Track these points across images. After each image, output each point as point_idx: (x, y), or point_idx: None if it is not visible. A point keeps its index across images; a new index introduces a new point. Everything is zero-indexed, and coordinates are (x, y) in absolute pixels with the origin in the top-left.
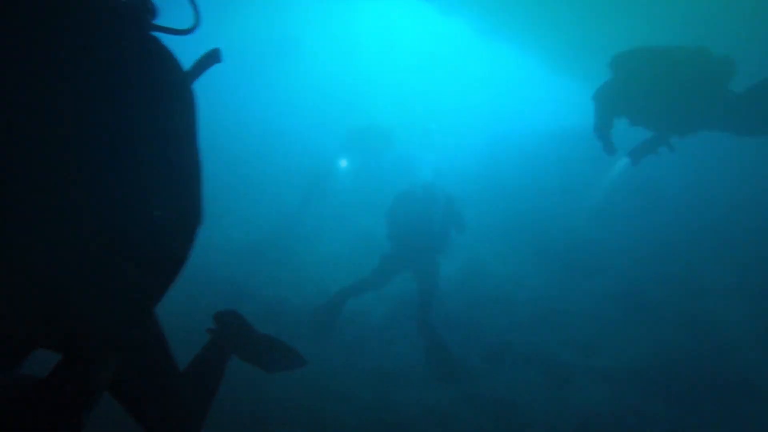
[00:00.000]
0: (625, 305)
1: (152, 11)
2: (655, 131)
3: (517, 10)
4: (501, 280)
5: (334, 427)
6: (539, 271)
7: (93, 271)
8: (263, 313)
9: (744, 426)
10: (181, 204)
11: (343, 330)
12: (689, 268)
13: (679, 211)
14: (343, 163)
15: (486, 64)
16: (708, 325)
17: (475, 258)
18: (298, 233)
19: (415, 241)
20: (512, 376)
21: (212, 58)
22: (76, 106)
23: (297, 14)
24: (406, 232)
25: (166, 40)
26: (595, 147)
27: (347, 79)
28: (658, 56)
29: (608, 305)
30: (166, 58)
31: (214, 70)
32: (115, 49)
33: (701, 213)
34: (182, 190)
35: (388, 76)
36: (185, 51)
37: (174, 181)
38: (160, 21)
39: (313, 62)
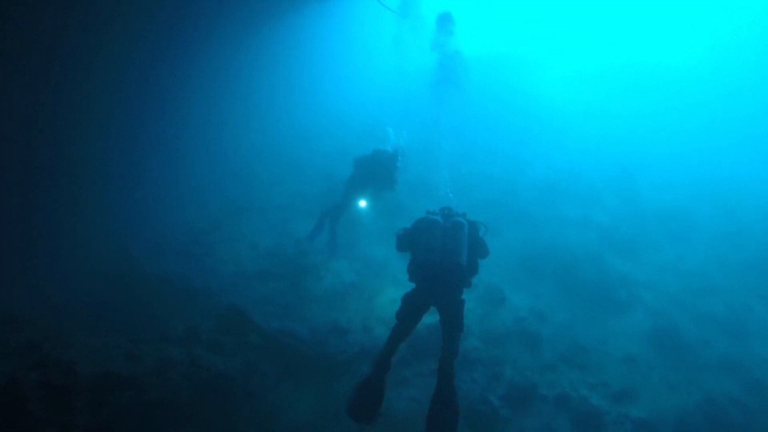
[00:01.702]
0: (661, 346)
1: None
2: None
3: None
4: (523, 314)
5: None
6: (564, 305)
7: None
8: (270, 346)
9: None
10: None
11: (351, 367)
12: (730, 307)
13: (717, 243)
14: (352, 190)
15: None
16: (757, 372)
17: (494, 290)
18: (307, 262)
19: (445, 274)
20: (537, 422)
21: None
22: None
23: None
24: (435, 264)
25: None
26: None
27: (361, 107)
28: None
29: (642, 346)
30: None
31: (224, 102)
32: None
33: (743, 245)
34: None
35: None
36: None
37: None
38: None
39: (329, 89)
